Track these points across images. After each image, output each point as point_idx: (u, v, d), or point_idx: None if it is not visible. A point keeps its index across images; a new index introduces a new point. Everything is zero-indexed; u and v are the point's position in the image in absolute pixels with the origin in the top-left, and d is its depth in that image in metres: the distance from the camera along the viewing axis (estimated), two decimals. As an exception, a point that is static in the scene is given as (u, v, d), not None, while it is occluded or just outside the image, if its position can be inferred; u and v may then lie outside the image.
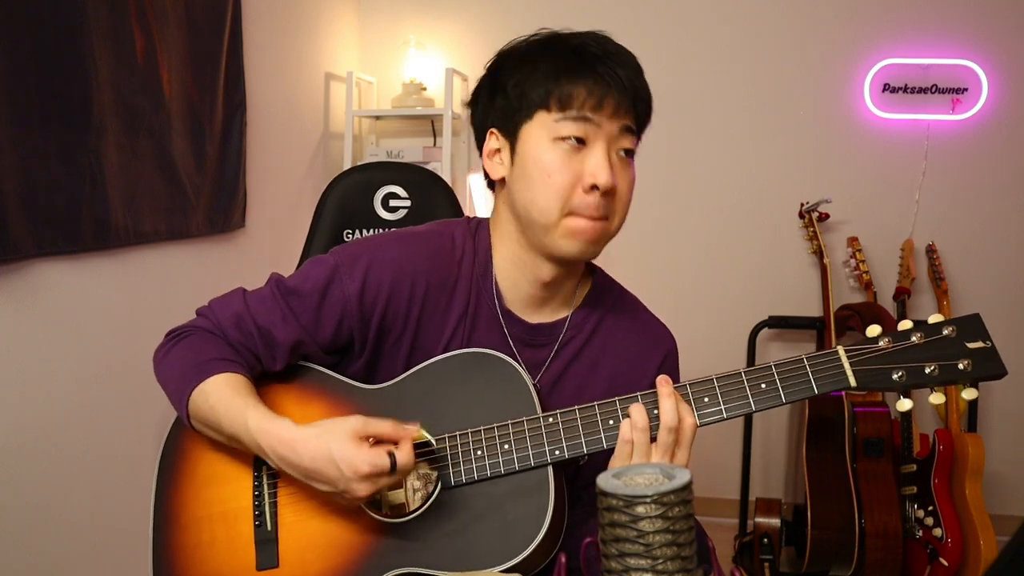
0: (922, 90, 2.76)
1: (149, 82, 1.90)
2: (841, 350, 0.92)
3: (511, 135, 1.04)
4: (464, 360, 1.03)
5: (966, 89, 2.73)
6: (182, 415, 1.03)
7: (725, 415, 0.94)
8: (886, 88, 2.78)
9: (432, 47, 3.08)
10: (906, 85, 2.76)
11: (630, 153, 1.04)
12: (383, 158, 2.89)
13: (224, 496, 1.04)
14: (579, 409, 0.97)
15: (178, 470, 1.07)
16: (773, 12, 2.84)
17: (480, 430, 0.98)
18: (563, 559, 0.85)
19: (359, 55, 3.17)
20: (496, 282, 1.09)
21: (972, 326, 0.90)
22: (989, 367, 0.89)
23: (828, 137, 2.85)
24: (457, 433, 0.98)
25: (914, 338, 0.90)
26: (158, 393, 1.06)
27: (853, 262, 2.73)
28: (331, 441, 0.91)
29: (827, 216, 2.74)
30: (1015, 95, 2.73)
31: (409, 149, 2.94)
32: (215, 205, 2.20)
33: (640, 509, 0.66)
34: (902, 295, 2.63)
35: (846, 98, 2.82)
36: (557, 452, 0.95)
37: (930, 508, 2.37)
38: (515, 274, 1.08)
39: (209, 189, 2.17)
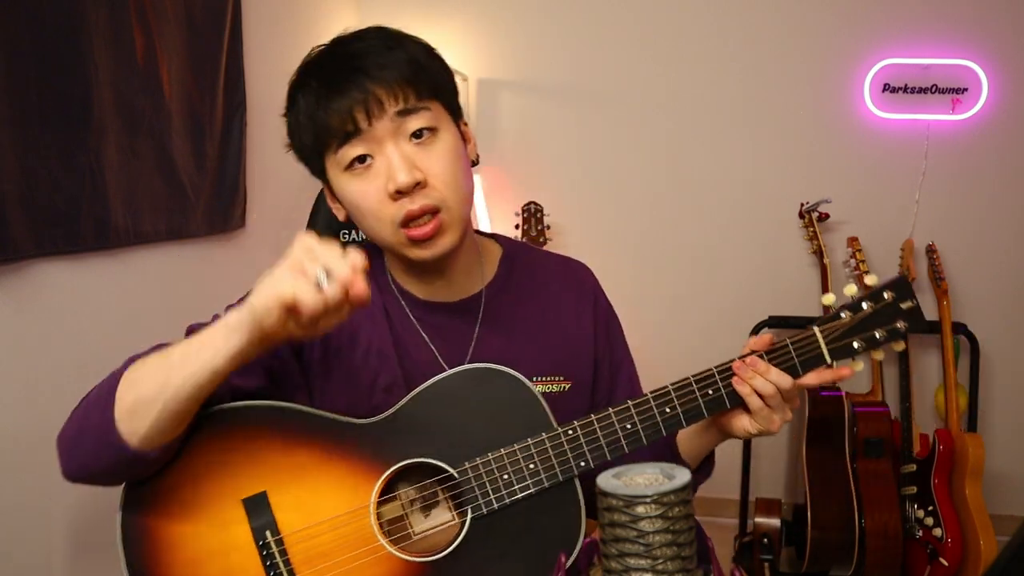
0: (922, 90, 2.76)
1: (149, 82, 1.90)
2: (817, 331, 0.97)
3: (324, 181, 1.05)
4: (464, 378, 0.97)
5: (966, 89, 2.73)
6: (110, 428, 0.91)
7: (727, 404, 0.97)
8: (886, 88, 2.78)
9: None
10: (906, 85, 2.76)
11: (427, 130, 0.97)
12: (383, 158, 2.89)
13: (228, 569, 0.92)
14: (596, 418, 0.96)
15: (152, 559, 0.92)
16: (773, 12, 2.84)
17: (502, 452, 0.94)
18: (563, 559, 0.85)
19: (359, 55, 3.17)
20: (397, 282, 1.10)
21: (903, 288, 0.98)
22: (918, 322, 0.98)
23: (828, 137, 2.85)
24: (479, 460, 0.94)
25: (865, 306, 0.97)
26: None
27: (853, 262, 2.72)
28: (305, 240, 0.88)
29: (827, 216, 2.74)
30: (1015, 95, 2.73)
31: (409, 149, 2.93)
32: (215, 205, 2.20)
33: (640, 509, 0.66)
34: (902, 295, 2.63)
35: (846, 98, 2.82)
36: (583, 463, 0.95)
37: (930, 508, 2.37)
38: (405, 267, 1.08)
39: (209, 189, 2.16)
